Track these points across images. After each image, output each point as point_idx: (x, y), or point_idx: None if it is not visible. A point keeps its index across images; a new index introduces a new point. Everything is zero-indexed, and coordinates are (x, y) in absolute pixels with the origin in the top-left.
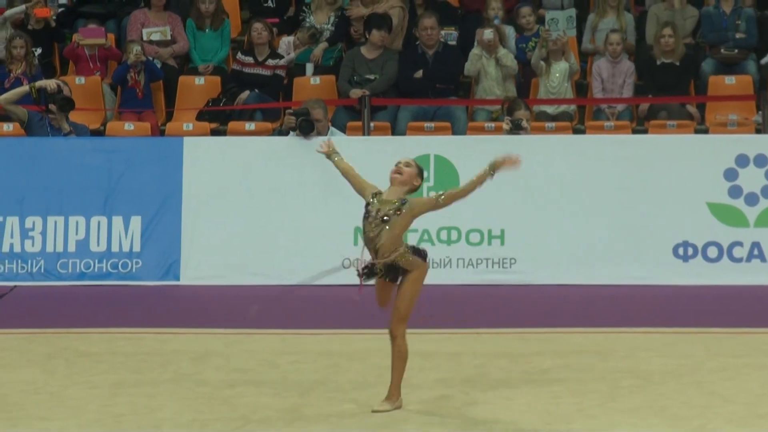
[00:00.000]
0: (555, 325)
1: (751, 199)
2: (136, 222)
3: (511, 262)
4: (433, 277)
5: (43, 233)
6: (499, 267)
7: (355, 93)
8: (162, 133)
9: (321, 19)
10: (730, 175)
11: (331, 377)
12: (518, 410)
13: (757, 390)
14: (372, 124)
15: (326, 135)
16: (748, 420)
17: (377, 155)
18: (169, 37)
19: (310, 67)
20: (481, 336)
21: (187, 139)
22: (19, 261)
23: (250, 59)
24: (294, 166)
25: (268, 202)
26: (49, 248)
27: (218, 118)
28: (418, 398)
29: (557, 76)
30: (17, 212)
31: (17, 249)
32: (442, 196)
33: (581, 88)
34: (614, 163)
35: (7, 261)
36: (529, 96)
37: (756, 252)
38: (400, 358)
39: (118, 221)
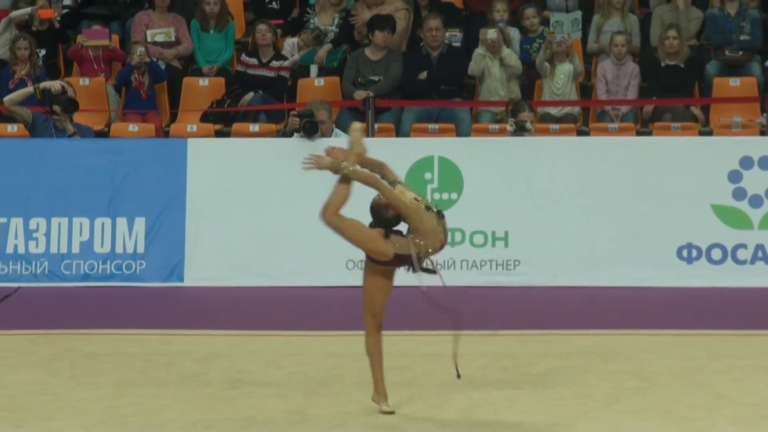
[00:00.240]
0: (559, 327)
1: (756, 201)
2: (140, 223)
3: (515, 264)
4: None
5: (47, 234)
6: (503, 269)
7: (360, 94)
8: (166, 134)
9: (325, 21)
10: (735, 177)
11: (335, 378)
12: (522, 412)
13: (762, 391)
14: (376, 126)
15: (330, 136)
16: (753, 422)
17: (381, 156)
18: (173, 39)
19: (314, 69)
20: (484, 337)
21: (191, 141)
22: (23, 262)
23: (254, 61)
24: (298, 167)
25: (272, 203)
26: (53, 249)
27: (222, 119)
28: (422, 399)
29: (561, 78)
30: (21, 213)
31: (21, 250)
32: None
33: (585, 89)
34: (618, 165)
35: (11, 262)
36: (533, 98)
37: (760, 254)
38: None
39: (122, 222)
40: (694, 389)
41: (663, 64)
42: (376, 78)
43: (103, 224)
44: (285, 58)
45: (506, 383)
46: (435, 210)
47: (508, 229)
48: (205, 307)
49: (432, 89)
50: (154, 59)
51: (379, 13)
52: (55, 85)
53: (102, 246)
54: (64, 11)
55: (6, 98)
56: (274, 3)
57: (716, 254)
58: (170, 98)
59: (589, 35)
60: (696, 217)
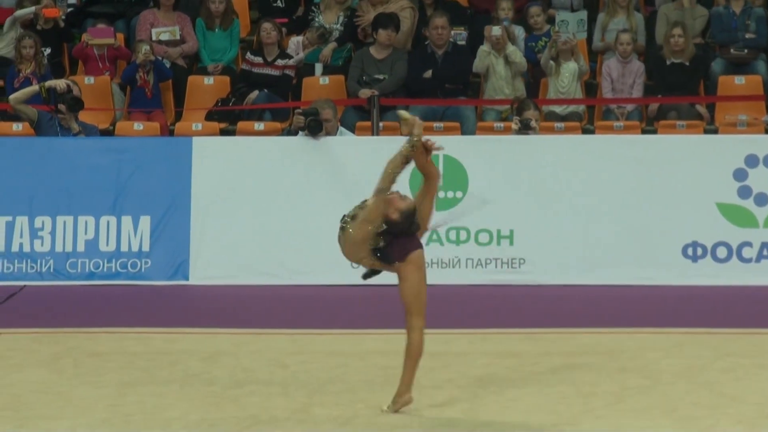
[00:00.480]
0: (563, 326)
1: (761, 200)
2: (145, 222)
3: (520, 263)
4: (442, 276)
5: (53, 233)
6: (508, 267)
7: (364, 93)
8: (171, 133)
9: (330, 19)
10: (740, 175)
11: (340, 377)
12: (526, 410)
13: (766, 390)
14: (381, 124)
15: (335, 135)
16: (757, 421)
17: (386, 155)
18: (178, 37)
19: (319, 67)
20: (489, 336)
21: (196, 139)
22: (29, 261)
23: (259, 59)
24: (303, 166)
25: (277, 201)
26: (59, 248)
27: (227, 117)
28: (426, 398)
29: (567, 77)
30: (26, 212)
31: (26, 249)
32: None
33: (591, 88)
34: (623, 164)
35: (16, 261)
36: (538, 96)
37: (765, 252)
38: (409, 352)
39: (127, 221)
40: (698, 388)
41: (668, 63)
42: (380, 76)
43: (108, 223)
44: (290, 57)
45: (510, 382)
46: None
47: (513, 228)
48: (210, 306)
49: (437, 88)
50: (159, 58)
51: (383, 12)
52: (60, 83)
53: (107, 244)
54: (69, 10)
55: (11, 97)
56: (279, 1)
57: (721, 252)
58: (175, 97)
59: (594, 33)
60: (701, 215)
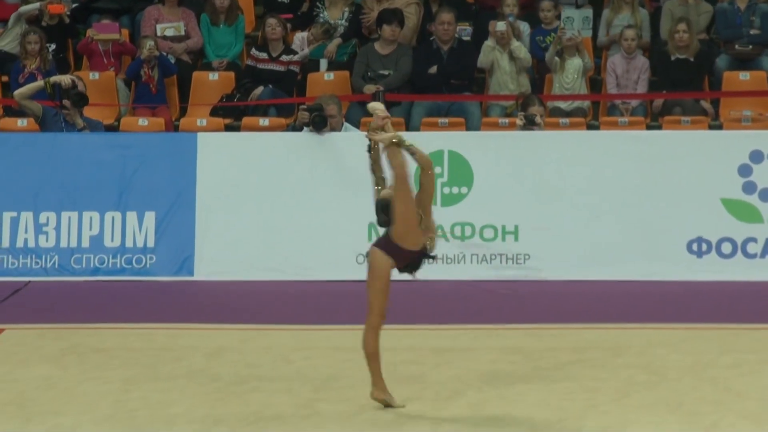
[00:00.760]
0: (568, 321)
1: (766, 195)
2: (150, 217)
3: (525, 258)
4: (447, 272)
5: (57, 228)
6: (512, 263)
7: (369, 89)
8: (176, 128)
9: (335, 15)
10: (745, 170)
11: (344, 373)
12: (531, 406)
13: None
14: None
15: (340, 131)
16: (763, 416)
17: None
18: (183, 33)
19: (324, 63)
20: (494, 331)
21: (201, 135)
22: (33, 256)
23: (264, 55)
24: (308, 161)
25: (281, 197)
26: (63, 243)
27: (232, 113)
28: (432, 393)
29: (571, 73)
30: (31, 207)
31: (31, 244)
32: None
33: (595, 83)
34: (628, 159)
35: (21, 256)
36: (543, 92)
37: None
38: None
39: (132, 217)
40: (703, 383)
41: (673, 58)
42: (385, 72)
43: (113, 218)
44: (295, 53)
45: (516, 377)
46: None
47: (518, 223)
48: (215, 302)
49: (442, 83)
50: (164, 53)
51: (387, 8)
52: (65, 79)
53: (112, 240)
54: (74, 6)
55: (16, 92)
56: None
57: (726, 248)
58: (180, 92)
59: (599, 29)
60: (706, 211)
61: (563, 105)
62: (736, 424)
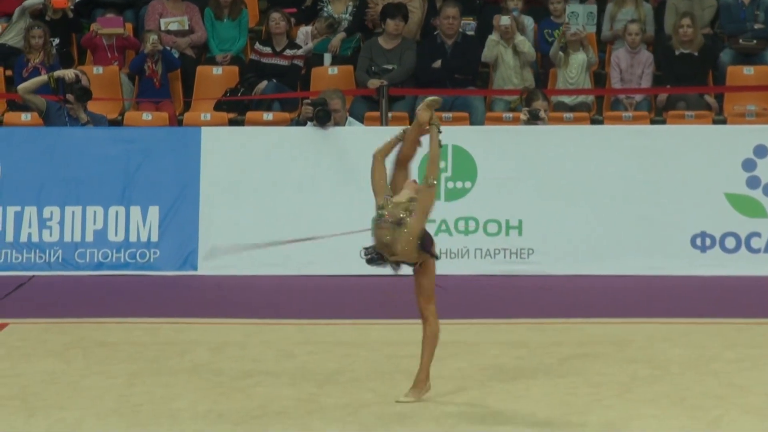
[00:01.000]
0: (572, 316)
1: None
2: (153, 212)
3: (529, 253)
4: (451, 267)
5: (61, 223)
6: (516, 257)
7: (373, 83)
8: (180, 123)
9: (339, 9)
10: (749, 165)
11: (348, 367)
12: (535, 400)
13: None
14: (390, 114)
15: (344, 125)
16: (766, 410)
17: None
18: (186, 27)
19: (327, 57)
20: (498, 326)
21: (204, 129)
22: (37, 251)
23: (267, 49)
24: (312, 156)
25: (285, 192)
26: (67, 238)
27: (236, 108)
28: (436, 388)
29: (575, 68)
30: (35, 202)
31: (35, 239)
32: (431, 179)
33: (599, 78)
34: (632, 154)
35: (25, 251)
36: (547, 86)
37: None
38: (430, 339)
39: (135, 211)
40: (707, 378)
41: (677, 53)
42: (389, 66)
43: (116, 213)
44: (299, 47)
45: (519, 372)
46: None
47: (522, 218)
48: (219, 296)
49: (446, 78)
50: (168, 48)
51: (391, 2)
52: (69, 73)
53: (116, 234)
54: (78, 0)
55: (20, 87)
56: None
57: (730, 243)
58: (184, 87)
59: (603, 24)
60: (710, 205)
61: (567, 99)
62: (739, 418)
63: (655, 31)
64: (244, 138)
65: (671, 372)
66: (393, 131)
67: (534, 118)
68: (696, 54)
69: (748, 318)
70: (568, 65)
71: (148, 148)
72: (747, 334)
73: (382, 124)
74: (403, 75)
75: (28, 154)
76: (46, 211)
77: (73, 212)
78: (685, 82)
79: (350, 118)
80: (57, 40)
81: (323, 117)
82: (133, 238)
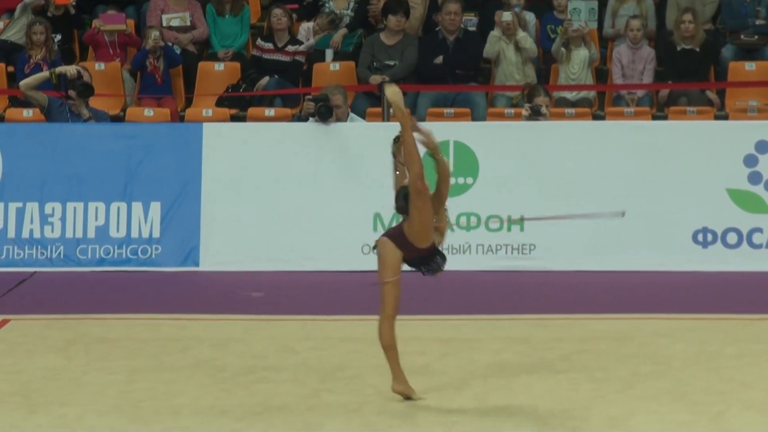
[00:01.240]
0: (574, 312)
1: None
2: (155, 208)
3: (531, 248)
4: (453, 263)
5: (63, 219)
6: (518, 253)
7: (375, 79)
8: (181, 119)
9: (341, 5)
10: (750, 161)
11: (350, 363)
12: (537, 396)
13: None
14: (392, 110)
15: (346, 121)
16: (767, 406)
17: None
18: (188, 23)
19: (329, 53)
20: (499, 322)
21: (206, 125)
22: (39, 247)
23: (269, 45)
24: (313, 152)
25: (287, 187)
26: (69, 234)
27: (238, 104)
28: (438, 384)
29: (577, 63)
30: (37, 198)
31: (37, 235)
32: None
33: (601, 74)
34: (634, 150)
35: (26, 247)
36: (549, 82)
37: None
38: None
39: (137, 207)
40: (709, 374)
41: (679, 48)
42: (391, 62)
43: (118, 209)
44: (300, 43)
45: (521, 368)
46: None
47: (524, 214)
48: (221, 292)
49: (447, 74)
50: (170, 44)
51: None
52: (70, 69)
53: (117, 231)
54: None
55: (22, 83)
56: None
57: (732, 238)
58: (185, 83)
59: (605, 20)
60: (711, 201)
61: (569, 95)
62: (741, 414)
63: (656, 27)
64: (245, 134)
65: (673, 368)
66: (394, 127)
67: (536, 114)
68: (698, 50)
69: (750, 314)
70: (569, 61)
71: (149, 144)
72: (749, 329)
73: (383, 120)
74: (404, 71)
75: (29, 150)
76: (48, 207)
77: (75, 208)
78: (687, 77)
79: (352, 114)
80: (59, 36)
81: (325, 113)
82: (134, 234)
